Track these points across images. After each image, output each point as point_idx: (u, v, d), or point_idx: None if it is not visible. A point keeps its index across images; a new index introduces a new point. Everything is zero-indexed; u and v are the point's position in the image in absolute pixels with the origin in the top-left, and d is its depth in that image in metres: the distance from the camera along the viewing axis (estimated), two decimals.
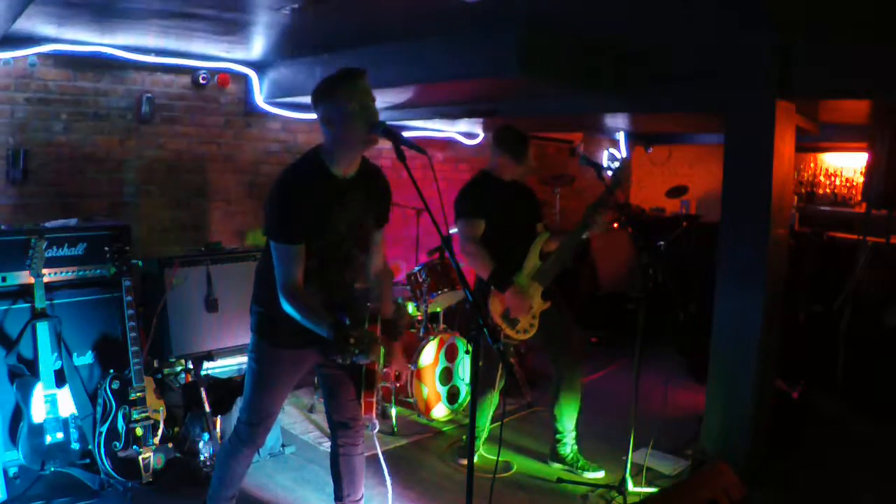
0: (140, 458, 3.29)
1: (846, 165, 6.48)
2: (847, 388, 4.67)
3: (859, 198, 6.20)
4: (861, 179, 6.17)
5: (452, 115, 5.11)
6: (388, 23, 3.48)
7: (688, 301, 5.45)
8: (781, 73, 3.22)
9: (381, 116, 2.44)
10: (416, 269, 4.46)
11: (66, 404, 3.25)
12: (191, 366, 3.86)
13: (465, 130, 6.43)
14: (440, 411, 4.39)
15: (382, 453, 2.87)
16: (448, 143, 6.45)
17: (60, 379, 3.26)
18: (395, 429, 4.16)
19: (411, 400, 4.26)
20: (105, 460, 3.25)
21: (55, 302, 3.42)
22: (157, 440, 3.36)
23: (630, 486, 3.30)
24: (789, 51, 3.20)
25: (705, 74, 3.48)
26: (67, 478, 3.24)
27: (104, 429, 3.27)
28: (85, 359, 3.54)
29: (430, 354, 4.35)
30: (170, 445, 3.42)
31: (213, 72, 4.72)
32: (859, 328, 4.69)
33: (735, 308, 3.47)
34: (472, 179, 3.64)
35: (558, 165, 7.48)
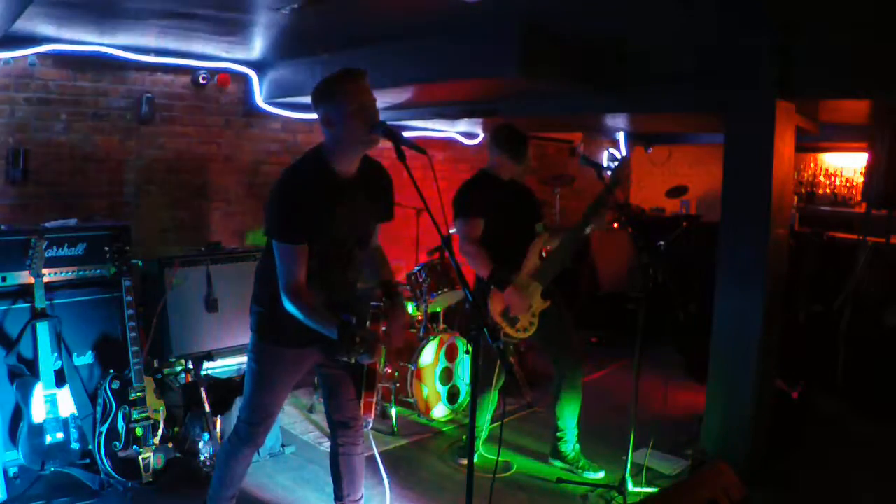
0: (140, 458, 3.29)
1: (846, 165, 6.48)
2: (847, 388, 4.67)
3: (859, 198, 6.20)
4: (861, 179, 6.17)
5: (452, 115, 5.11)
6: (388, 23, 3.48)
7: (688, 301, 5.45)
8: (781, 73, 3.22)
9: (381, 116, 2.44)
10: (416, 269, 4.46)
11: (66, 404, 3.25)
12: (191, 366, 3.86)
13: (465, 130, 6.43)
14: (440, 411, 4.39)
15: (381, 453, 2.88)
16: (448, 143, 6.45)
17: (60, 379, 3.26)
18: (395, 429, 4.15)
19: (411, 400, 4.25)
20: (105, 460, 3.25)
21: (55, 302, 3.42)
22: (157, 440, 3.36)
23: (630, 486, 3.30)
24: (789, 51, 3.20)
25: (705, 74, 3.48)
26: (67, 478, 3.24)
27: (104, 429, 3.27)
28: (85, 359, 3.54)
29: (430, 354, 4.35)
30: (170, 445, 3.41)
31: (213, 72, 4.72)
32: (859, 328, 4.69)
33: (735, 308, 3.47)
34: (470, 179, 3.64)
35: (558, 165, 7.49)
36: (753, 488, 2.85)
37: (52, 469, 3.17)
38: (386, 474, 2.89)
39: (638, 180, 8.19)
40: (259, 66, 4.87)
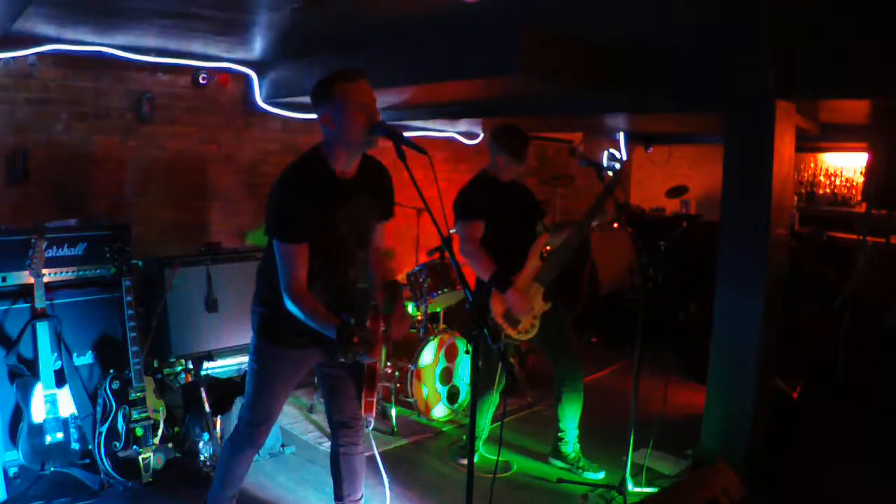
0: (140, 458, 3.28)
1: (846, 165, 6.49)
2: (847, 388, 4.67)
3: (859, 198, 6.21)
4: (861, 179, 6.17)
5: (452, 115, 5.11)
6: (387, 23, 3.48)
7: (688, 301, 5.45)
8: (781, 73, 3.22)
9: (381, 116, 2.44)
10: (416, 269, 4.46)
11: (66, 404, 3.25)
12: (191, 366, 3.86)
13: (465, 130, 6.43)
14: (440, 411, 4.39)
15: (381, 453, 2.88)
16: (448, 143, 6.45)
17: (60, 379, 3.26)
18: (395, 429, 4.15)
19: (411, 400, 4.25)
20: (105, 460, 3.25)
21: (55, 302, 3.42)
22: (157, 440, 3.36)
23: (630, 486, 3.30)
24: (789, 51, 3.20)
25: (705, 74, 3.48)
26: (67, 478, 3.24)
27: (104, 429, 3.27)
28: (85, 359, 3.54)
29: (430, 354, 4.35)
30: (170, 445, 3.42)
31: (213, 72, 4.72)
32: (859, 328, 4.69)
33: (735, 308, 3.47)
34: (471, 181, 3.64)
35: (558, 165, 7.49)
36: (753, 488, 2.85)
37: (52, 469, 3.17)
38: (386, 474, 2.90)
39: (638, 180, 8.19)
40: (259, 66, 4.86)
